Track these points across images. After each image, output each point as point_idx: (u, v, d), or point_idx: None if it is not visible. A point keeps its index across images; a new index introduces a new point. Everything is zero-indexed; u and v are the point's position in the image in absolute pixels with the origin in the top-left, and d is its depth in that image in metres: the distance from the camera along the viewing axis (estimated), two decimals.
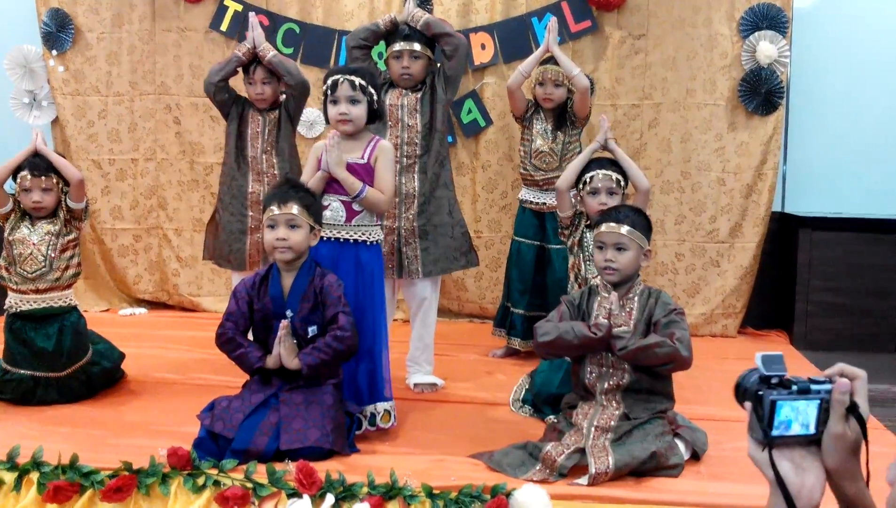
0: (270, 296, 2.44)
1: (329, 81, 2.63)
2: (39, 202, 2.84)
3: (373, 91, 2.63)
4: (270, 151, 3.37)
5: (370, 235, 2.66)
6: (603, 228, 2.43)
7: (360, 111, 2.61)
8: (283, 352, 2.38)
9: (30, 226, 2.87)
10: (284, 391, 2.41)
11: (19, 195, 2.87)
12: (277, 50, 3.41)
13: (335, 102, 2.61)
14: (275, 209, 2.40)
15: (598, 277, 2.73)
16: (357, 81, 2.59)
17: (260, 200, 3.38)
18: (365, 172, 2.62)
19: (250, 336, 2.53)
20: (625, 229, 2.39)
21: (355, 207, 2.61)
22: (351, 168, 2.60)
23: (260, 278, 2.49)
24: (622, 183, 2.78)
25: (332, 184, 2.61)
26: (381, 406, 2.65)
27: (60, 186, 2.88)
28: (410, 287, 3.14)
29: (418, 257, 3.08)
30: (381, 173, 2.64)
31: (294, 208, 2.40)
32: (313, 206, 2.46)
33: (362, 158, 2.64)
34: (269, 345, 2.43)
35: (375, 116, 2.69)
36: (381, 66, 3.34)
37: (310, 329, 2.42)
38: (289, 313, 2.42)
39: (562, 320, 2.43)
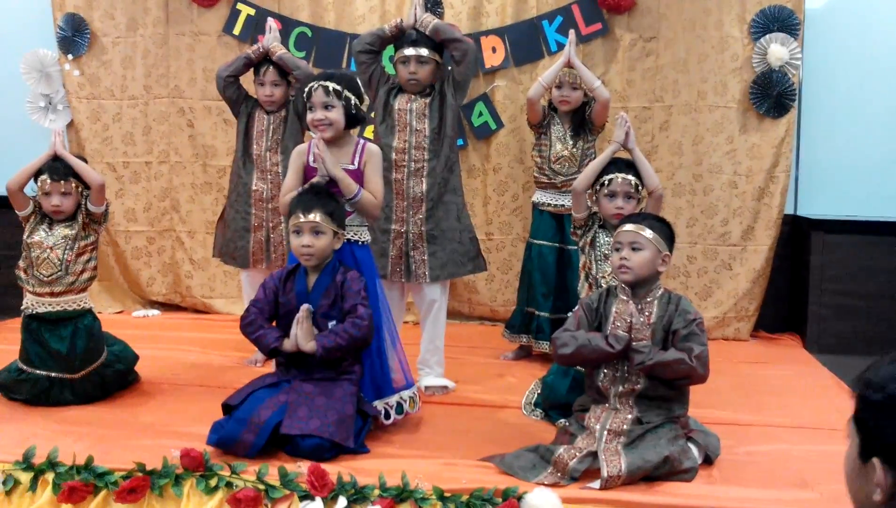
0: (296, 292, 2.51)
1: (306, 88, 2.67)
2: (59, 206, 2.86)
3: (350, 95, 2.63)
4: (275, 149, 3.40)
5: (361, 235, 2.71)
6: (621, 228, 2.44)
7: (336, 116, 2.62)
8: (300, 334, 2.42)
9: (47, 229, 2.89)
10: (298, 380, 2.48)
11: (39, 198, 2.89)
12: (291, 54, 3.45)
13: (311, 108, 2.64)
14: (300, 216, 2.46)
15: (612, 276, 2.74)
16: (331, 86, 2.61)
17: (263, 198, 3.41)
18: (356, 178, 2.65)
19: None
20: (641, 229, 2.40)
21: (347, 207, 2.63)
22: None
23: (288, 272, 2.57)
24: (640, 188, 2.76)
25: None
26: (393, 400, 2.69)
27: (80, 189, 2.89)
28: (420, 290, 3.15)
29: (425, 262, 3.09)
30: (371, 178, 2.67)
31: (318, 216, 2.46)
32: (337, 212, 2.52)
33: (353, 163, 2.68)
34: None
35: (355, 120, 2.69)
36: (390, 69, 3.36)
37: (330, 324, 2.49)
38: (310, 308, 2.48)
39: (579, 326, 2.44)
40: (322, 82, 2.62)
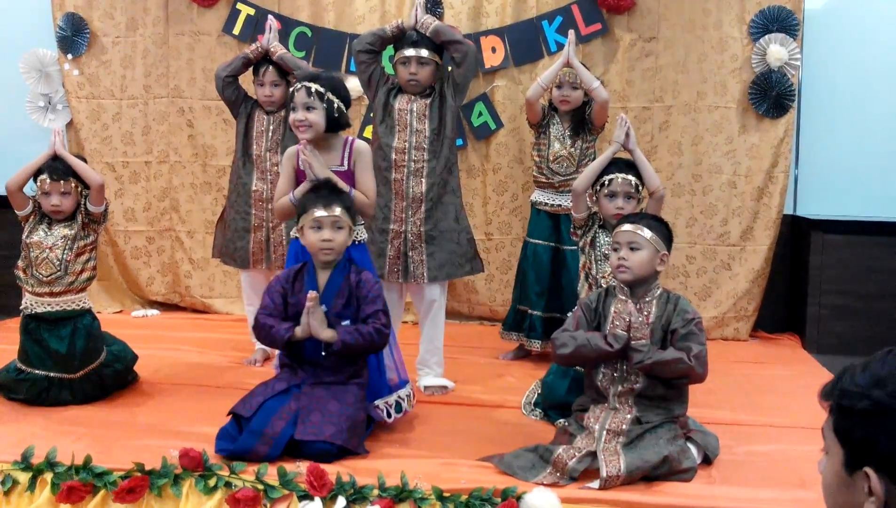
0: (306, 292, 2.46)
1: (290, 89, 2.66)
2: (58, 206, 2.86)
3: (333, 98, 2.61)
4: (275, 149, 3.40)
5: (357, 234, 2.70)
6: (619, 228, 2.45)
7: (316, 117, 2.60)
8: (314, 322, 2.39)
9: (46, 229, 2.89)
10: (308, 384, 2.45)
11: (39, 198, 2.89)
12: (291, 53, 3.45)
13: (294, 108, 2.62)
14: (319, 211, 2.44)
15: (612, 276, 2.74)
16: (314, 87, 2.59)
17: (263, 198, 3.41)
18: (347, 178, 2.64)
19: None
20: (640, 229, 2.40)
21: None
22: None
23: (295, 272, 2.53)
24: (640, 188, 2.76)
25: None
26: (392, 399, 2.70)
27: (80, 189, 2.89)
28: (419, 291, 3.15)
29: (424, 262, 3.09)
30: (361, 177, 2.67)
31: (338, 210, 2.45)
32: (352, 207, 2.52)
33: (342, 164, 2.67)
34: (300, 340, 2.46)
35: (338, 123, 2.65)
36: (389, 69, 3.35)
37: (343, 324, 2.46)
38: (323, 308, 2.45)
39: (578, 326, 2.44)
40: (305, 83, 2.61)
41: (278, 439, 2.30)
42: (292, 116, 2.62)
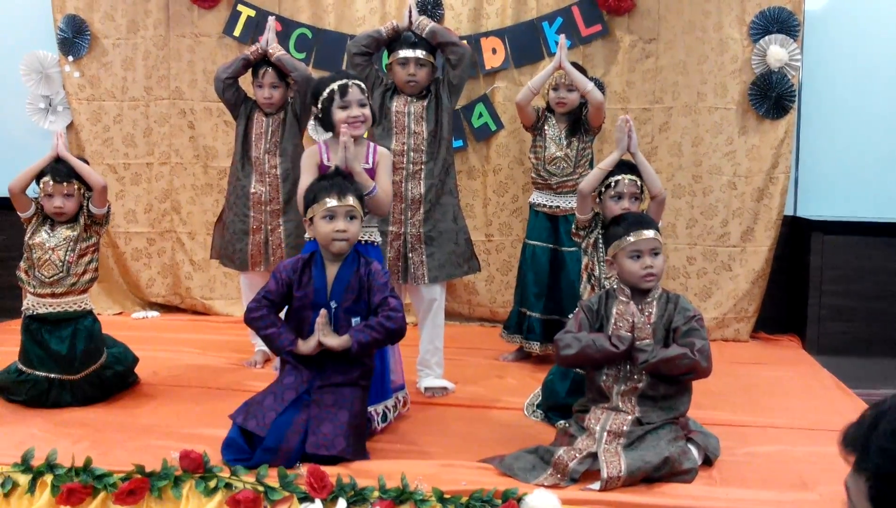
0: (314, 287, 2.44)
1: (336, 87, 2.64)
2: (61, 208, 2.86)
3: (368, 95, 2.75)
4: (273, 151, 3.40)
5: (372, 236, 2.74)
6: (633, 237, 2.41)
7: (369, 113, 2.69)
8: (323, 335, 2.35)
9: (49, 231, 2.89)
10: (316, 388, 2.39)
11: (42, 200, 2.89)
12: (290, 55, 3.45)
13: (345, 106, 2.64)
14: (333, 201, 2.40)
15: (612, 279, 2.73)
16: (362, 84, 2.70)
17: (262, 200, 3.41)
18: (370, 176, 2.68)
19: None
20: (658, 235, 2.44)
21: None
22: None
23: (303, 262, 2.48)
24: (644, 189, 2.77)
25: None
26: (390, 402, 2.71)
27: (82, 191, 2.90)
28: (418, 291, 3.16)
29: (424, 263, 3.10)
30: (381, 177, 2.70)
31: (351, 200, 2.43)
32: (363, 197, 2.53)
33: (367, 162, 2.70)
34: (302, 335, 2.42)
35: (375, 118, 2.78)
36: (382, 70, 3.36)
37: (353, 320, 2.43)
38: (333, 303, 2.42)
39: (580, 328, 2.44)
40: (355, 81, 2.68)
41: (293, 454, 2.28)
42: (346, 113, 2.63)
